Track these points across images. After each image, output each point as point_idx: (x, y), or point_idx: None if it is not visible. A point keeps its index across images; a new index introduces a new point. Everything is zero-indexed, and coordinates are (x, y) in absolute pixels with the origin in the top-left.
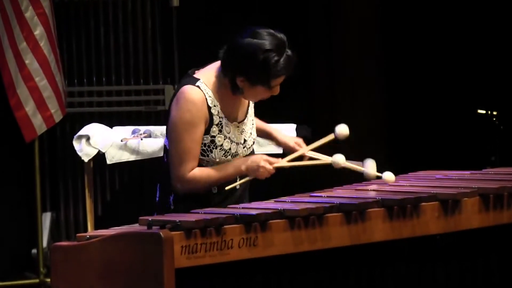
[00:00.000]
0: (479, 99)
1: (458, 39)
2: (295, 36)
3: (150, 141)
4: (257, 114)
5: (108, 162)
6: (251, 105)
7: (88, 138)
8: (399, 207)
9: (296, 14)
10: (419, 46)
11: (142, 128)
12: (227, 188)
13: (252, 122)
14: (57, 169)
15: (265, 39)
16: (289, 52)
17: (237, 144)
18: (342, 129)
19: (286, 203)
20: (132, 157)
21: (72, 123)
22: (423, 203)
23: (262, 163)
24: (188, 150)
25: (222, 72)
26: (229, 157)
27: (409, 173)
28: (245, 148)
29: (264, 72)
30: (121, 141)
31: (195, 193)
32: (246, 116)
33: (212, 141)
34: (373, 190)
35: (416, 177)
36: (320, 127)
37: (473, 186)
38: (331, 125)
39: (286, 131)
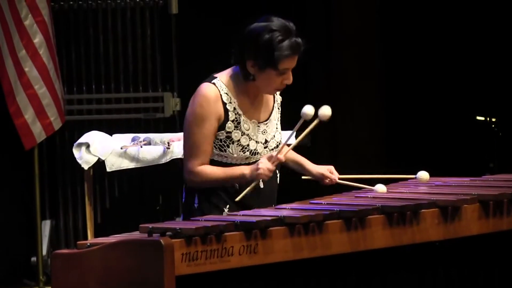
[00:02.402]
0: (478, 106)
1: (457, 46)
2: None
3: (150, 148)
4: None
5: (108, 169)
6: (276, 109)
7: (88, 145)
8: (399, 214)
9: (294, 22)
10: (418, 52)
11: (142, 136)
12: (236, 199)
13: (276, 126)
14: (57, 177)
15: (273, 21)
16: (297, 37)
17: (257, 142)
18: (325, 111)
19: (286, 210)
20: (131, 165)
21: (71, 131)
22: (423, 210)
23: (261, 164)
24: (197, 145)
25: (235, 61)
26: (247, 153)
27: (409, 180)
28: (267, 149)
29: (270, 52)
30: (121, 148)
31: (214, 191)
32: (269, 118)
33: (228, 137)
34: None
35: (416, 184)
36: (319, 135)
37: (473, 193)
38: (330, 132)
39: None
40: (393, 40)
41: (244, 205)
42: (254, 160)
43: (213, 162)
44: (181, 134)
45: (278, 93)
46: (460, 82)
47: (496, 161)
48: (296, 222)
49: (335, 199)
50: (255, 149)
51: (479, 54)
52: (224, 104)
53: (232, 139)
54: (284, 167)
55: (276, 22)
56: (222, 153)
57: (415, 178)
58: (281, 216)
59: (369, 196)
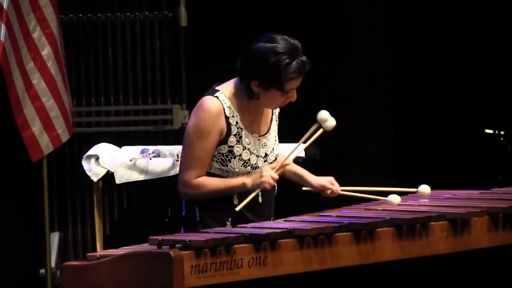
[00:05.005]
0: (486, 119)
1: (466, 58)
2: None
3: (159, 160)
4: None
5: (117, 181)
6: (274, 121)
7: (97, 157)
8: (408, 227)
9: (303, 36)
10: (428, 65)
11: (151, 148)
12: (237, 208)
13: (275, 139)
14: (66, 188)
15: (278, 42)
16: (302, 57)
17: (257, 156)
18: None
19: (295, 223)
20: (141, 177)
21: (80, 143)
22: (432, 223)
23: (265, 172)
24: (196, 157)
25: (239, 79)
26: (249, 168)
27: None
28: (266, 162)
29: (276, 75)
30: (130, 160)
31: (215, 204)
32: (268, 131)
33: (230, 151)
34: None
35: (425, 197)
36: (329, 147)
37: (482, 206)
38: (339, 144)
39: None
40: (402, 52)
41: (243, 218)
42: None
43: (213, 176)
44: None
45: None
46: (469, 95)
47: (505, 173)
48: (306, 235)
49: (344, 211)
50: (255, 164)
51: (488, 66)
52: (227, 118)
53: (234, 153)
54: (284, 179)
55: (282, 43)
56: (223, 167)
57: (416, 192)
58: (291, 229)
59: (378, 208)
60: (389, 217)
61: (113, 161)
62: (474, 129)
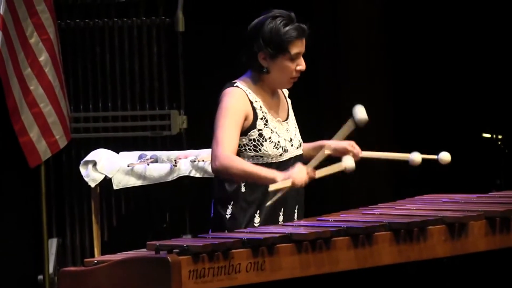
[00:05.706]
0: (484, 123)
1: (465, 62)
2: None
3: (157, 166)
4: None
5: (115, 187)
6: (291, 109)
7: (94, 163)
8: (406, 231)
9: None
10: (426, 68)
11: (149, 153)
12: (267, 204)
13: (295, 126)
14: (63, 194)
15: (274, 11)
16: (300, 23)
17: (285, 140)
18: (360, 113)
19: (293, 227)
20: (138, 182)
21: (78, 149)
22: (430, 227)
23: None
24: (228, 133)
25: (247, 61)
26: (280, 150)
27: (416, 197)
28: (293, 147)
29: (277, 38)
30: (128, 166)
31: (247, 202)
32: (288, 117)
33: (260, 135)
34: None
35: (423, 201)
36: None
37: (480, 210)
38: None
39: None
40: (401, 52)
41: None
42: (286, 159)
43: None
44: (187, 152)
45: (287, 94)
46: (467, 99)
47: (502, 177)
48: (304, 239)
49: (342, 216)
50: (284, 146)
51: (487, 70)
52: (251, 102)
53: (264, 136)
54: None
55: (277, 11)
56: (257, 153)
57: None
58: (288, 233)
59: (376, 212)
60: (386, 221)
61: (111, 166)
62: (472, 133)
